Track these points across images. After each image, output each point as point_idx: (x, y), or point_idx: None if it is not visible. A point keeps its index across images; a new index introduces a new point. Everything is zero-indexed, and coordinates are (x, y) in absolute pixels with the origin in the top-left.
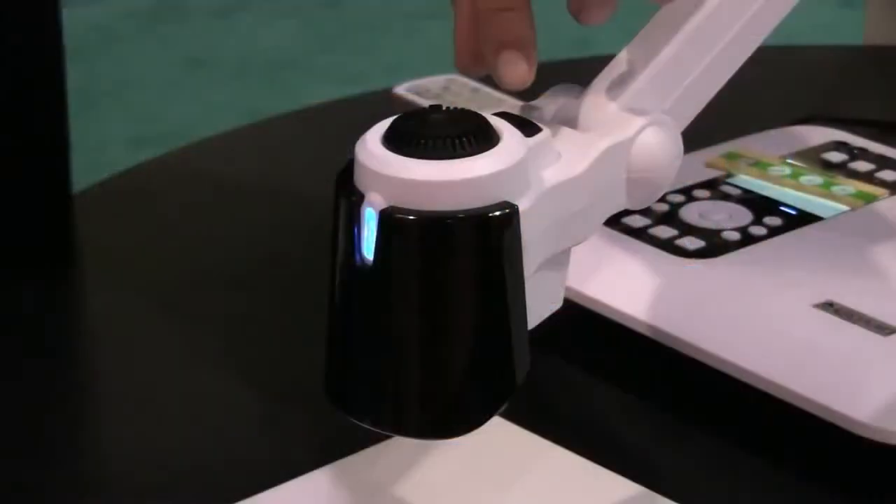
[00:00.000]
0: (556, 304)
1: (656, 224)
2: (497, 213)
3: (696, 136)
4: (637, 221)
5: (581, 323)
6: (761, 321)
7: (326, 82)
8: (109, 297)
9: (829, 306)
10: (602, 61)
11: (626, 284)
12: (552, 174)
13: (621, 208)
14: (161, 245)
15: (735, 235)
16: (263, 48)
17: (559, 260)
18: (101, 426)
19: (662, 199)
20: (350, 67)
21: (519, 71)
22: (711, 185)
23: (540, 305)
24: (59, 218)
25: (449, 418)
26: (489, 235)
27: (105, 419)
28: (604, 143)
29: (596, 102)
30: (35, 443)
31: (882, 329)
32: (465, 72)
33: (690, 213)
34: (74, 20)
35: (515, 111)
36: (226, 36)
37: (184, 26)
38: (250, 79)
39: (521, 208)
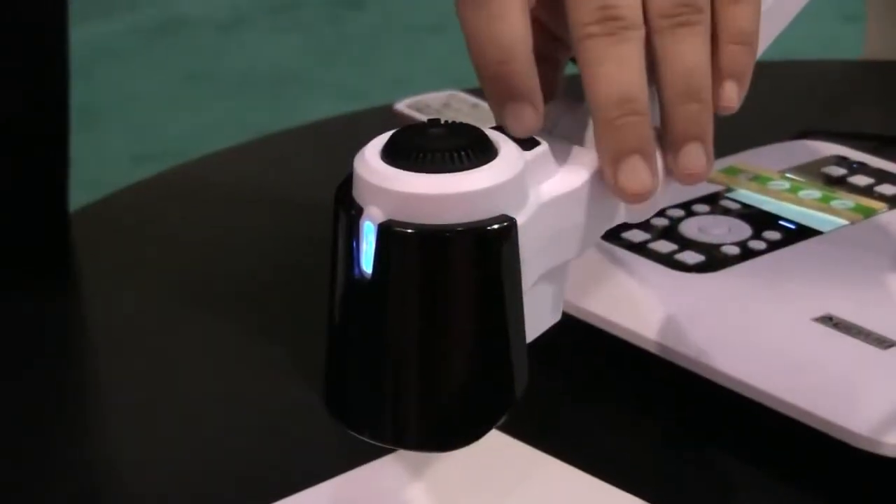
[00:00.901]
0: (555, 318)
1: (656, 238)
2: (495, 227)
3: None
4: (636, 236)
5: (580, 337)
6: (761, 335)
7: (328, 97)
8: (111, 311)
9: (829, 320)
10: None
11: (626, 299)
12: (551, 187)
13: (620, 221)
14: (162, 260)
15: (734, 250)
16: (265, 64)
17: (558, 273)
18: (101, 432)
19: (662, 214)
20: (351, 83)
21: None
22: (711, 200)
23: (538, 319)
24: (58, 225)
25: (448, 431)
26: (487, 249)
27: (105, 425)
28: None
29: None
30: (33, 447)
31: (881, 342)
32: None
33: (690, 228)
34: (77, 36)
35: None
36: (227, 51)
37: (185, 42)
38: (252, 94)
39: (519, 222)
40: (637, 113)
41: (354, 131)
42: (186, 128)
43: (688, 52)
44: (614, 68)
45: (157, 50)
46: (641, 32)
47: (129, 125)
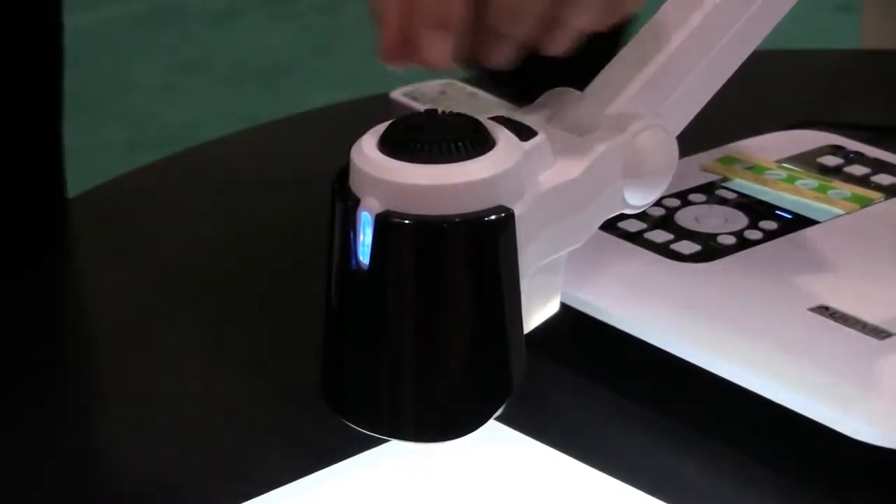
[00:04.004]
0: (553, 309)
1: (652, 228)
2: (493, 217)
3: (693, 139)
4: (633, 226)
5: (577, 327)
6: (757, 325)
7: (323, 87)
8: (106, 300)
9: (825, 310)
10: None
11: (622, 289)
12: (548, 178)
13: (617, 212)
14: (157, 249)
15: (731, 240)
16: (260, 53)
17: (555, 264)
18: (98, 430)
19: (658, 204)
20: (347, 72)
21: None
22: (707, 190)
23: (536, 309)
24: (55, 214)
25: (446, 421)
26: (485, 239)
27: (103, 422)
28: (600, 147)
29: (592, 106)
30: (30, 446)
31: (877, 333)
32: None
33: (686, 218)
34: (71, 25)
35: (511, 115)
36: (222, 41)
37: (180, 31)
38: (247, 84)
39: (516, 212)
40: None
41: (351, 120)
42: (182, 117)
43: None
44: None
45: (152, 39)
46: None
47: (124, 114)
